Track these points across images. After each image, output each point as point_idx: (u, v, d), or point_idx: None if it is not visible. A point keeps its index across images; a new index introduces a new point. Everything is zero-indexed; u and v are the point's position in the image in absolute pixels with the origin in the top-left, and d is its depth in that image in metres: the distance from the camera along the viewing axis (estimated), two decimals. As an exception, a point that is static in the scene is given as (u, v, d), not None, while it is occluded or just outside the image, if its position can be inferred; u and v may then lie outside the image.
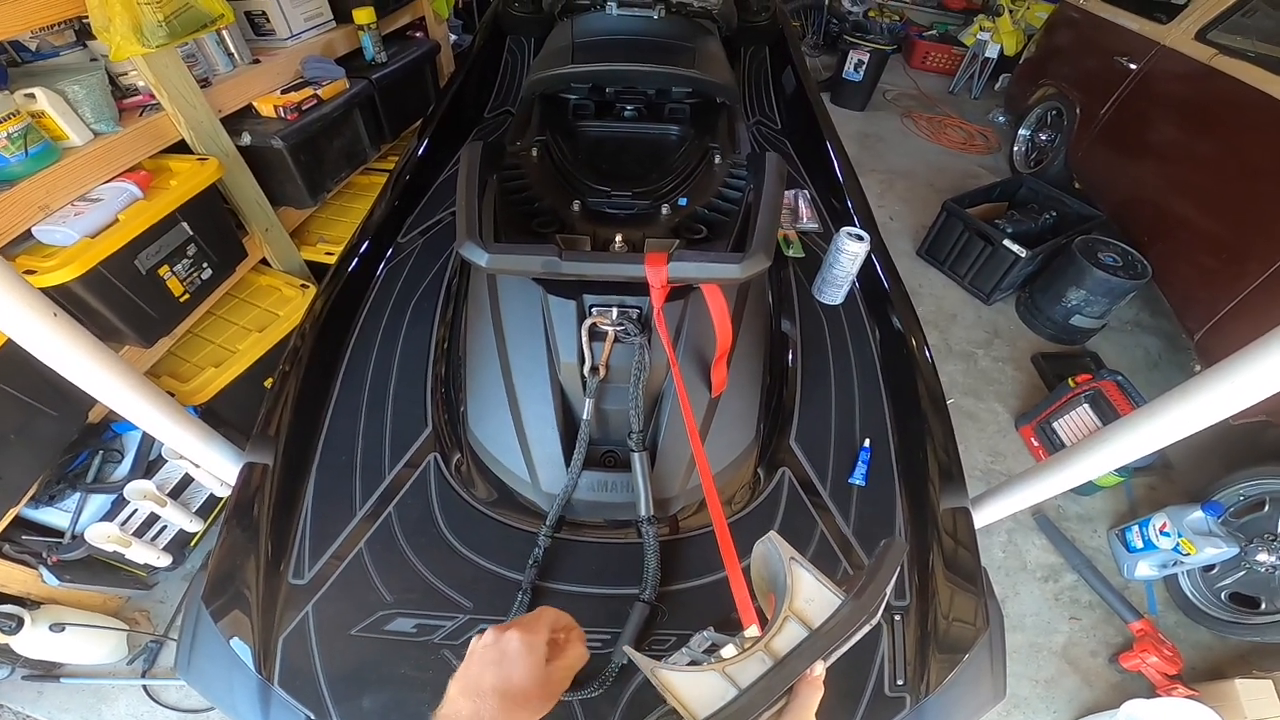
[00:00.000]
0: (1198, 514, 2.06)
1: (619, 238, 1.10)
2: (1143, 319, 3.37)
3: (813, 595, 0.57)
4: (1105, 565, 2.27)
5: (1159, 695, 1.87)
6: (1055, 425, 2.54)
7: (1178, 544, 2.05)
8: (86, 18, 1.41)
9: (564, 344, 1.03)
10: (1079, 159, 3.72)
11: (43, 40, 1.54)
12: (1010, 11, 5.37)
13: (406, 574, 1.00)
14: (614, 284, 1.00)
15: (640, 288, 0.96)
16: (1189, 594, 2.16)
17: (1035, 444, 2.62)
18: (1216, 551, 1.98)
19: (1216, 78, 2.82)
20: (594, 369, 1.00)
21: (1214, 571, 2.12)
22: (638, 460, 1.00)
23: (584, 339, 0.99)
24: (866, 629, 0.55)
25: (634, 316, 1.00)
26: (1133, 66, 3.36)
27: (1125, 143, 3.40)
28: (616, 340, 0.99)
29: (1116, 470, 2.24)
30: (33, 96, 1.38)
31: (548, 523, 1.02)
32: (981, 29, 5.49)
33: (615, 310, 1.00)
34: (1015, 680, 1.98)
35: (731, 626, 0.92)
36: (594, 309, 1.01)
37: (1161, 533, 2.10)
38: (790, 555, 0.59)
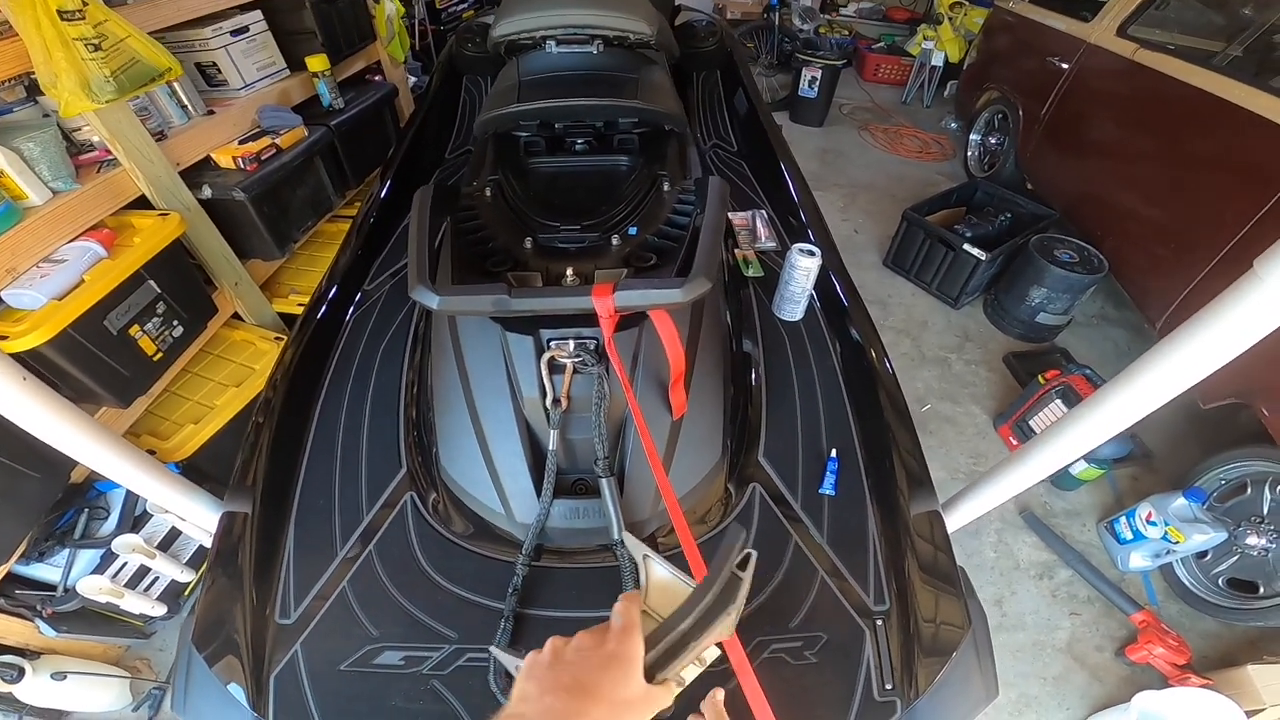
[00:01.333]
0: (1181, 501, 2.07)
1: (570, 271, 1.13)
2: (1108, 311, 3.45)
3: (666, 587, 0.60)
4: (1099, 559, 2.28)
5: (1171, 686, 1.86)
6: (1031, 423, 2.58)
7: (1166, 532, 2.05)
8: (34, 74, 1.41)
9: (525, 379, 1.05)
10: (1027, 160, 3.82)
11: None
12: (950, 19, 5.53)
13: (391, 609, 1.01)
14: (570, 316, 1.02)
15: (595, 319, 0.98)
16: (1187, 583, 2.16)
17: (1014, 443, 2.66)
18: (1205, 538, 1.99)
19: (1141, 72, 2.92)
20: (556, 401, 1.02)
21: (1208, 558, 2.12)
22: (605, 486, 1.02)
23: (544, 372, 1.02)
24: (727, 618, 0.59)
25: (591, 348, 1.02)
26: (1064, 66, 3.47)
27: (1067, 141, 3.50)
28: (575, 371, 1.02)
29: (1095, 463, 2.32)
30: (-11, 155, 1.37)
31: (524, 551, 1.03)
32: (925, 38, 5.64)
33: (572, 343, 1.02)
34: (1024, 679, 1.98)
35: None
36: (551, 343, 1.03)
37: (1149, 522, 2.11)
38: (644, 553, 0.61)
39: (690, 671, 0.57)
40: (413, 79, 3.40)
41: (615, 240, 1.22)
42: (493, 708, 0.90)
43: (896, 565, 1.05)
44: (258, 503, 1.10)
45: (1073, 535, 2.37)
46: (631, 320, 1.05)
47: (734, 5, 6.56)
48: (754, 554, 0.58)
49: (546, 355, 1.01)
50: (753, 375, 1.34)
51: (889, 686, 0.94)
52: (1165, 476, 2.52)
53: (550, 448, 1.03)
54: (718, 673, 0.93)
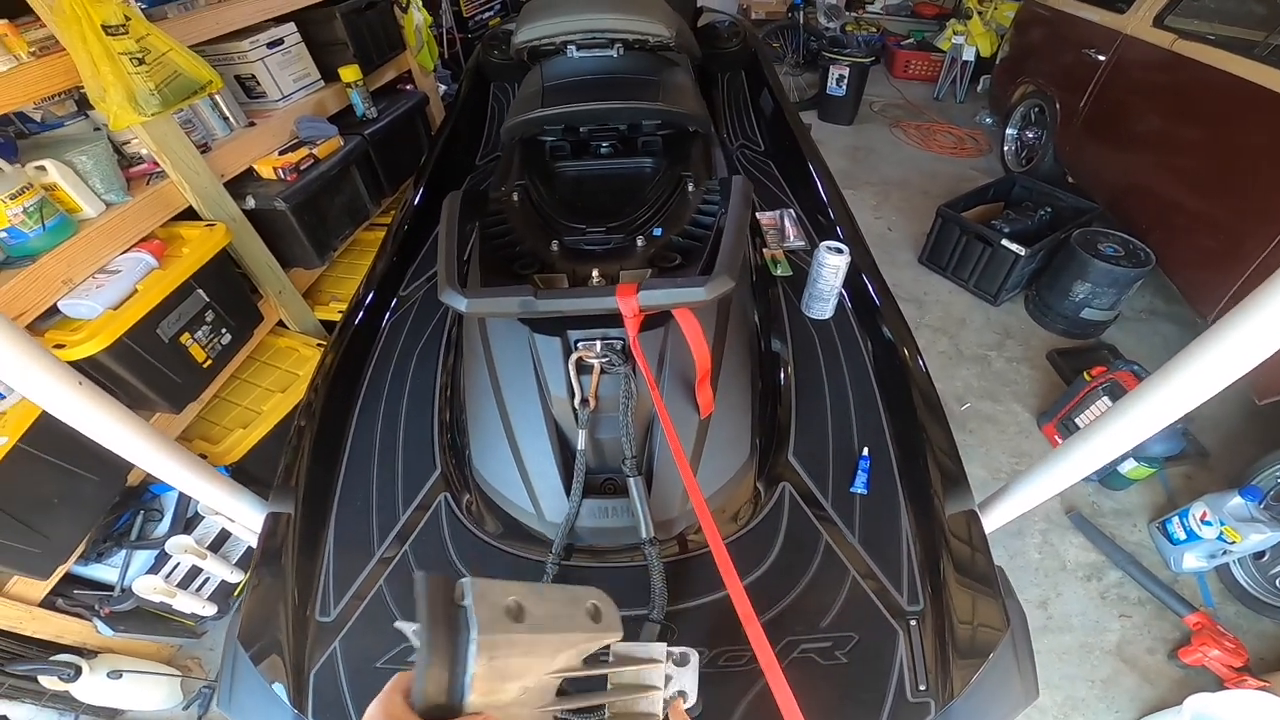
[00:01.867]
0: (1237, 500, 2.00)
1: (595, 272, 1.13)
2: (1157, 306, 3.33)
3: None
4: (1150, 560, 2.21)
5: (1226, 689, 1.80)
6: (1078, 420, 2.50)
7: (1221, 532, 1.98)
8: (83, 88, 1.47)
9: (553, 379, 1.07)
10: (1067, 153, 3.72)
11: (46, 111, 1.61)
12: (979, 13, 5.43)
13: None
14: (598, 317, 1.03)
15: (621, 319, 0.99)
16: (1244, 583, 2.09)
17: (1060, 441, 2.56)
18: (1262, 537, 1.92)
19: (1181, 63, 2.84)
20: (584, 401, 1.03)
21: (1266, 558, 2.06)
22: (634, 485, 1.03)
23: (571, 373, 1.03)
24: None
25: (617, 348, 1.03)
26: (1101, 58, 3.39)
27: (1108, 133, 3.40)
28: (603, 372, 1.03)
29: (1146, 461, 2.25)
30: (44, 169, 1.44)
31: (554, 550, 1.04)
32: (955, 33, 5.54)
33: (599, 343, 1.03)
34: (1071, 681, 1.93)
35: (744, 640, 0.93)
36: (579, 343, 1.04)
37: (1203, 522, 2.04)
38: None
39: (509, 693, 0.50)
40: (443, 87, 3.46)
41: (640, 241, 1.23)
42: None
43: (931, 565, 1.04)
44: (300, 503, 1.14)
45: (1122, 536, 2.29)
46: (657, 320, 1.06)
47: (758, 5, 6.53)
48: (469, 582, 0.49)
49: (574, 356, 1.02)
50: (782, 374, 1.33)
51: (923, 688, 0.92)
52: (1220, 475, 2.43)
53: (579, 447, 1.04)
54: (746, 672, 0.94)
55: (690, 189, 1.34)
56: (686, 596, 1.02)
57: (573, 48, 1.69)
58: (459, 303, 0.97)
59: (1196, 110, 2.80)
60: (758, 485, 1.17)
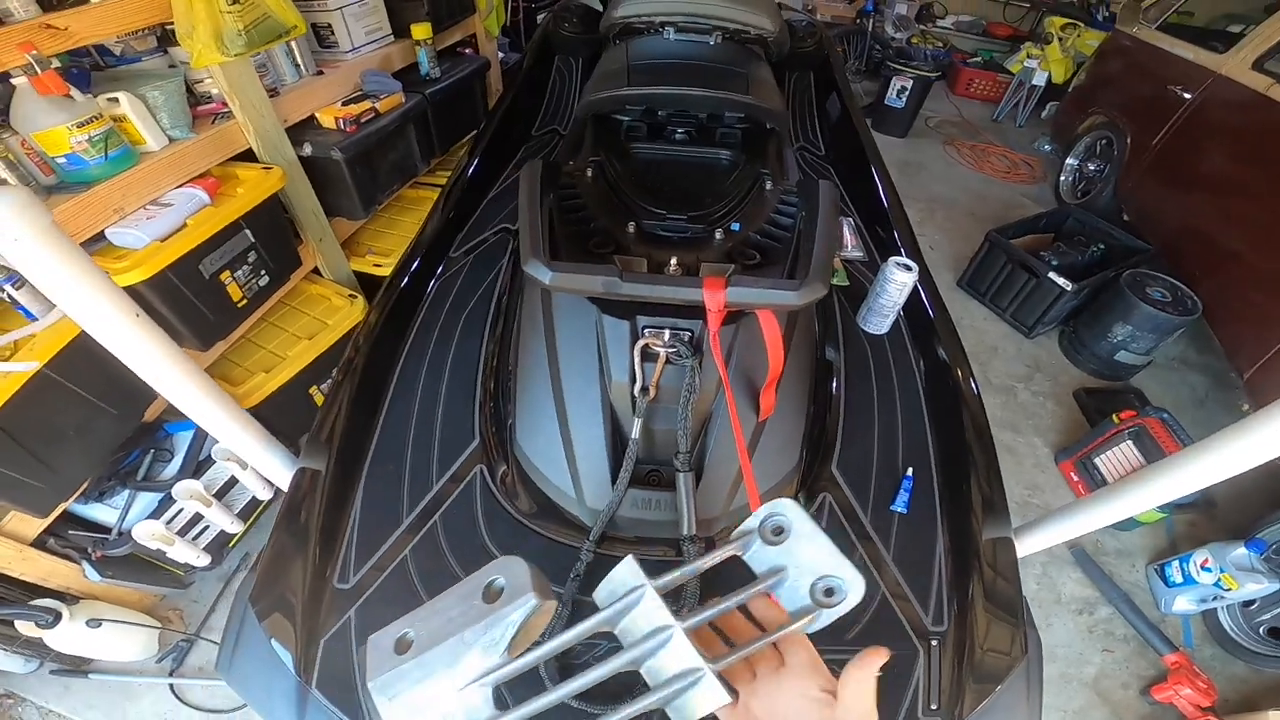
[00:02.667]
0: (1241, 550, 2.06)
1: (674, 260, 1.12)
2: (1189, 356, 3.29)
3: None
4: (1141, 599, 2.25)
5: None
6: (1097, 461, 2.49)
7: (1219, 579, 2.05)
8: (171, 24, 1.47)
9: (616, 364, 1.05)
10: (1129, 190, 3.65)
11: (126, 45, 1.61)
12: (1060, 39, 5.32)
13: (449, 582, 1.01)
14: (667, 306, 1.02)
15: (692, 310, 0.98)
16: (1228, 628, 2.14)
17: (1075, 479, 2.57)
18: (1258, 587, 1.99)
19: (1274, 108, 2.78)
20: (644, 389, 1.02)
21: (1254, 606, 2.11)
22: (683, 480, 1.01)
23: (636, 359, 1.01)
24: None
25: (686, 339, 1.01)
26: (1187, 96, 3.31)
27: (1177, 174, 3.34)
28: (668, 362, 1.01)
29: (1159, 507, 2.22)
30: (115, 100, 1.43)
31: (591, 537, 1.03)
32: (1029, 56, 5.44)
33: (668, 332, 1.01)
34: (1045, 712, 1.91)
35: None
36: (646, 330, 1.03)
37: (1203, 568, 2.10)
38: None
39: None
40: (500, 55, 3.43)
41: (719, 234, 1.21)
42: (539, 692, 0.90)
43: (961, 588, 1.03)
44: (331, 461, 1.12)
45: (1120, 574, 2.33)
46: (731, 317, 1.04)
47: (825, 8, 6.43)
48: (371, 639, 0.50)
49: (641, 342, 1.01)
50: (833, 385, 1.32)
51: (934, 707, 0.93)
52: (1223, 525, 2.46)
53: (633, 435, 1.02)
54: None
55: (768, 187, 1.31)
56: (715, 597, 1.01)
57: (671, 30, 1.66)
58: (543, 275, 0.96)
59: (1277, 159, 2.74)
60: (799, 495, 1.16)
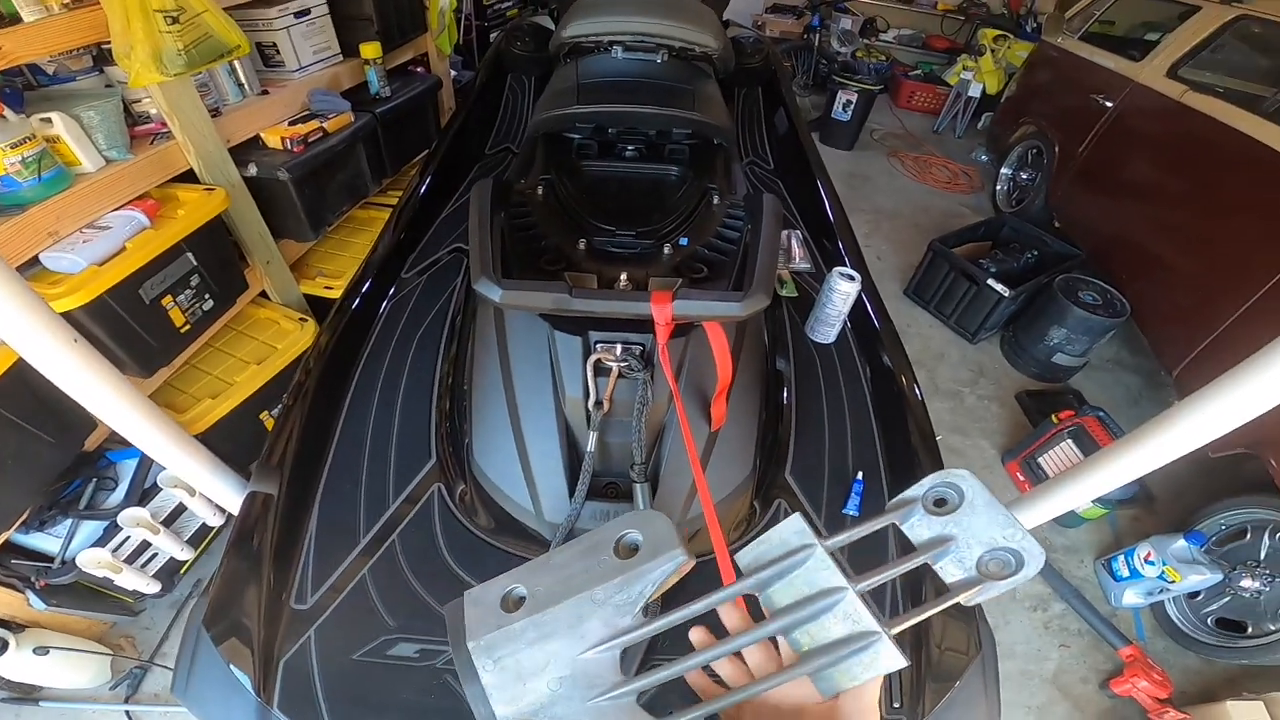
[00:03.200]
0: (1181, 543, 2.12)
1: (624, 276, 1.14)
2: (1123, 357, 3.44)
3: None
4: (1092, 594, 2.31)
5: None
6: (1040, 460, 2.58)
7: (1163, 572, 2.10)
8: (107, 43, 1.44)
9: (569, 379, 1.07)
10: (1058, 197, 3.80)
11: (61, 65, 1.57)
12: (992, 51, 5.52)
13: (410, 600, 1.02)
14: (618, 321, 1.03)
15: (643, 325, 1.00)
16: (1176, 620, 2.20)
17: (1021, 479, 2.66)
18: (1201, 578, 2.05)
19: (1187, 114, 2.91)
20: (598, 403, 1.04)
21: (1200, 598, 2.17)
22: (639, 491, 1.03)
23: (589, 374, 1.03)
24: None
25: (637, 353, 1.04)
26: (1108, 104, 3.46)
27: (1102, 181, 3.48)
28: (620, 376, 1.03)
29: (1100, 503, 2.33)
30: (49, 121, 1.40)
31: (552, 549, 1.04)
32: (964, 68, 5.63)
33: (619, 347, 1.03)
34: (1008, 708, 2.00)
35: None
36: (598, 345, 1.04)
37: (1147, 561, 2.16)
38: None
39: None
40: (452, 73, 3.43)
41: (667, 249, 1.24)
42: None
43: (913, 589, 1.07)
44: (284, 484, 1.11)
45: (1069, 570, 2.40)
46: (680, 330, 1.06)
47: (773, 24, 6.59)
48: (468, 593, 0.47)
49: (593, 357, 1.03)
50: (784, 394, 1.35)
51: (897, 705, 0.95)
52: (1165, 519, 2.55)
53: (588, 449, 1.04)
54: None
55: (715, 202, 1.35)
56: (676, 604, 1.02)
57: (619, 48, 1.69)
58: (494, 293, 0.97)
59: (1193, 163, 2.88)
60: (754, 502, 1.18)
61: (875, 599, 1.04)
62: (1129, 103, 3.35)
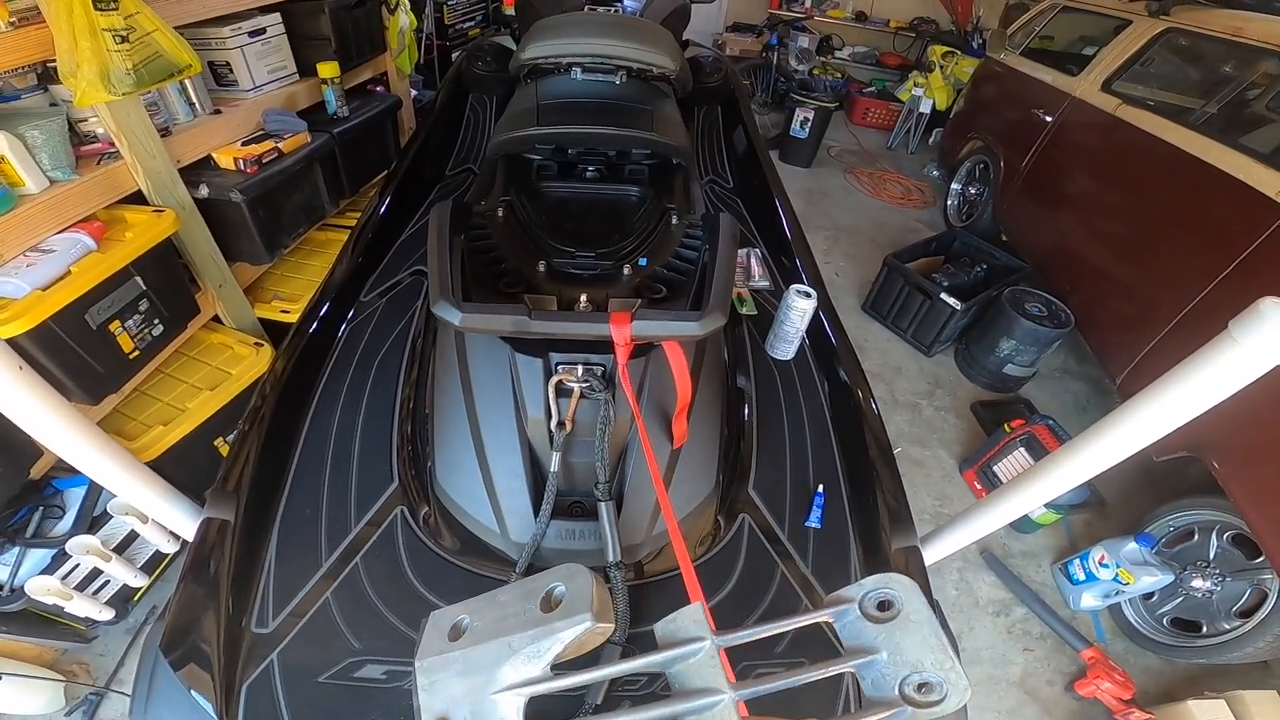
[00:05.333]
0: (1132, 545, 2.18)
1: (584, 297, 1.15)
2: (1070, 366, 3.56)
3: None
4: (1052, 598, 2.37)
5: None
6: (995, 469, 2.65)
7: (1117, 574, 2.16)
8: (53, 61, 1.41)
9: (531, 400, 1.07)
10: (1004, 211, 3.90)
11: (5, 82, 1.52)
12: (941, 67, 5.70)
13: (375, 622, 1.01)
14: (579, 342, 1.04)
15: (604, 345, 1.00)
16: (1133, 621, 2.26)
17: (978, 487, 2.73)
18: (1153, 580, 2.11)
19: (1121, 127, 3.02)
20: (560, 424, 1.04)
21: (1154, 599, 2.23)
22: (604, 509, 1.04)
23: (551, 395, 1.04)
24: None
25: (598, 373, 1.04)
26: (1048, 119, 3.56)
27: (1044, 194, 3.59)
28: (582, 396, 1.04)
29: (1054, 508, 2.40)
30: (-11, 140, 1.35)
31: (518, 570, 1.04)
32: (915, 85, 5.81)
33: (580, 368, 1.04)
34: (978, 713, 2.03)
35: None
36: (560, 366, 1.05)
37: (1101, 564, 2.22)
38: None
39: None
40: (413, 92, 3.42)
41: (627, 270, 1.25)
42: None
43: None
44: (240, 510, 1.09)
45: (1029, 575, 2.46)
46: (641, 350, 1.08)
47: (733, 43, 6.73)
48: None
49: (555, 379, 1.03)
50: (745, 410, 1.37)
51: None
52: (1117, 523, 2.62)
53: (552, 469, 1.04)
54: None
55: (674, 222, 1.37)
56: (644, 620, 1.03)
57: (578, 70, 1.71)
58: (453, 316, 0.97)
59: (1128, 175, 2.98)
60: (719, 517, 1.20)
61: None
62: (1067, 117, 3.46)
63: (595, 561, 1.06)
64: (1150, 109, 2.94)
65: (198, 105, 1.88)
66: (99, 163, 1.62)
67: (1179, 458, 2.22)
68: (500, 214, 1.34)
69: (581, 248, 1.31)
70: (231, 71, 2.00)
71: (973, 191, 4.48)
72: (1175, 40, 3.11)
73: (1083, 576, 2.29)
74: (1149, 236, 2.79)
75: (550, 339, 1.03)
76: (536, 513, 1.06)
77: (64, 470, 1.71)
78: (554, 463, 1.04)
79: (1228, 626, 2.06)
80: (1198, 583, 2.12)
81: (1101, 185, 3.18)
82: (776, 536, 1.17)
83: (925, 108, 5.74)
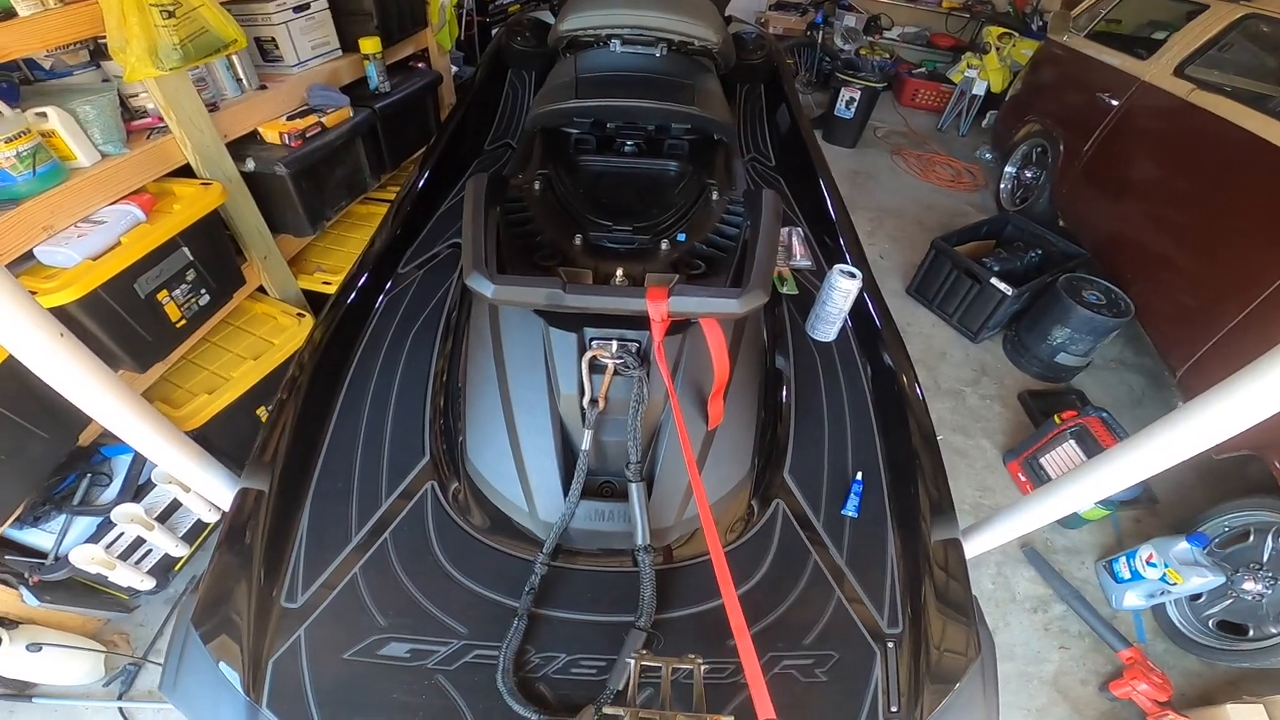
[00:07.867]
0: (1183, 545, 2.11)
1: (620, 272, 1.13)
2: (1126, 357, 3.43)
3: None
4: (1093, 596, 2.31)
5: None
6: (1042, 461, 2.57)
7: (1165, 574, 2.10)
8: (103, 38, 1.44)
9: (564, 376, 1.05)
10: (1063, 196, 3.79)
11: (57, 59, 1.56)
12: (997, 49, 5.51)
13: (401, 599, 1.01)
14: (614, 317, 1.02)
15: (640, 321, 0.98)
16: (1177, 622, 2.20)
17: (1023, 479, 2.65)
18: (1203, 581, 2.05)
19: (1193, 113, 2.91)
20: (593, 401, 1.02)
21: (1201, 600, 2.17)
22: (635, 490, 1.02)
23: (584, 371, 1.02)
24: None
25: (633, 350, 1.02)
26: (1114, 103, 3.45)
27: (1107, 179, 3.48)
28: (616, 373, 1.02)
29: (1103, 504, 2.32)
30: (44, 115, 1.39)
31: (545, 550, 1.03)
32: (969, 66, 5.62)
33: (615, 344, 1.02)
34: (1007, 710, 1.99)
35: (728, 653, 0.93)
36: (594, 342, 1.03)
37: (1148, 563, 2.15)
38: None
39: None
40: (454, 69, 3.42)
41: (665, 245, 1.22)
42: (496, 706, 0.90)
43: (913, 590, 1.05)
44: (275, 481, 1.09)
45: (1070, 572, 2.39)
46: (677, 327, 1.05)
47: (776, 21, 6.57)
48: None
49: (589, 354, 1.01)
50: (784, 392, 1.34)
51: (894, 709, 0.94)
52: (1167, 521, 2.54)
53: (583, 448, 1.03)
54: (730, 684, 0.94)
55: (714, 198, 1.33)
56: (670, 607, 1.02)
57: (617, 42, 1.68)
58: (486, 288, 0.96)
59: (1199, 163, 2.87)
60: (752, 502, 1.17)
61: (873, 602, 1.04)
62: (1135, 101, 3.34)
63: (623, 544, 1.05)
64: (1227, 94, 2.81)
65: (244, 80, 1.90)
66: (148, 137, 1.65)
67: (1240, 456, 2.15)
68: (537, 187, 1.33)
69: (619, 222, 1.28)
70: (277, 47, 2.02)
71: (1028, 175, 4.36)
72: (1255, 25, 2.98)
73: (1128, 575, 2.24)
74: (1219, 226, 2.69)
75: (585, 314, 1.01)
76: (566, 492, 1.05)
77: (111, 438, 1.72)
78: (585, 441, 1.02)
79: (1275, 630, 2.01)
80: (1249, 585, 2.05)
81: (1170, 171, 3.06)
82: (811, 524, 1.13)
83: (979, 90, 5.57)
